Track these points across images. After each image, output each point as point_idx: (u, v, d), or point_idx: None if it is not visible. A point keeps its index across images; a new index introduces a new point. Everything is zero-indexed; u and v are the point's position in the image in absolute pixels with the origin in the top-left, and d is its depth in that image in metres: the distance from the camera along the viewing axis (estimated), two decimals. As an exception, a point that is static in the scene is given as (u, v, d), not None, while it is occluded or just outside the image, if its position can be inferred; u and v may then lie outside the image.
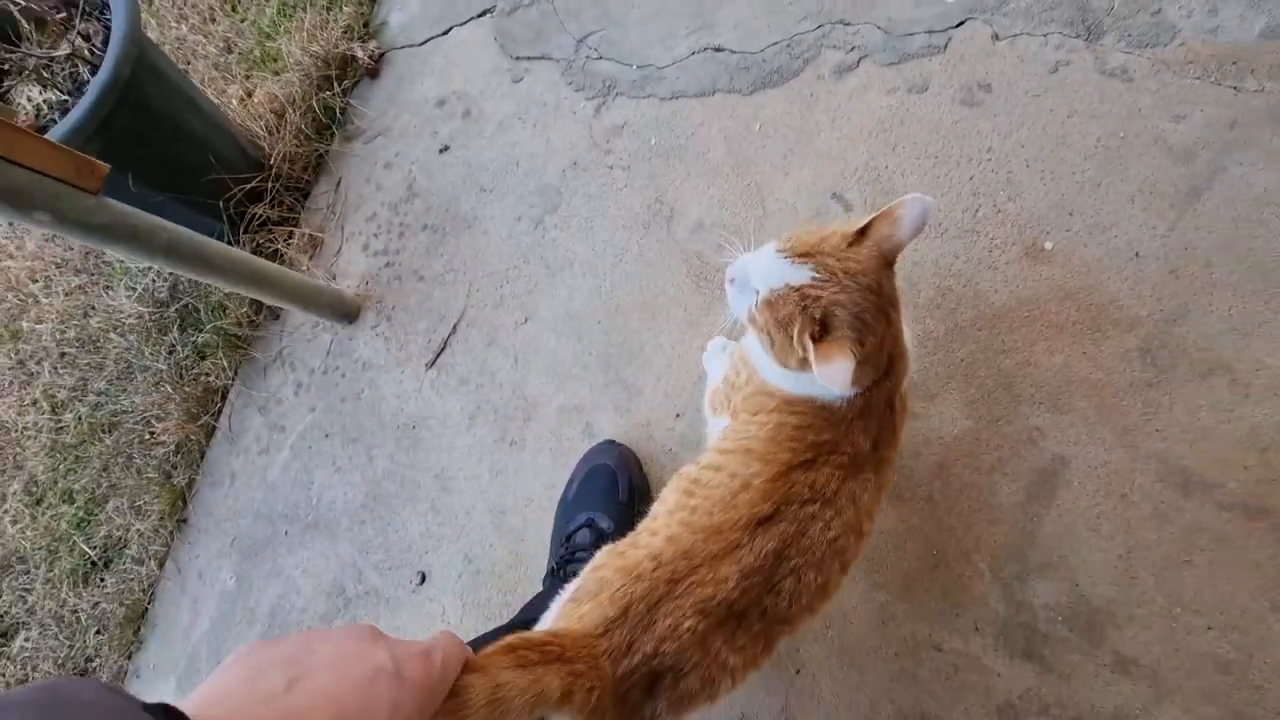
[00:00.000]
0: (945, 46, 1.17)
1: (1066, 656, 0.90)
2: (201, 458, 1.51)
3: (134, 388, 1.60)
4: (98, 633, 1.50)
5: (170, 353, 1.55)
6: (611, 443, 1.16)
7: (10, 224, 1.95)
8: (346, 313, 1.43)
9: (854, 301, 0.65)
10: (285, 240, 1.52)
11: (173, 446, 1.50)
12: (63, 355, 1.74)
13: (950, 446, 1.02)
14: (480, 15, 1.55)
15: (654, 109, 1.33)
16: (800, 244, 0.68)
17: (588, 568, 0.72)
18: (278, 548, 1.38)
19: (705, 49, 1.32)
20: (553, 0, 1.49)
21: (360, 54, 1.58)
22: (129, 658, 1.46)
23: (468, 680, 0.49)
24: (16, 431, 1.73)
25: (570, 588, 0.71)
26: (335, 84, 1.58)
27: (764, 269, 0.69)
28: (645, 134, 1.32)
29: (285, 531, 1.38)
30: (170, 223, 1.05)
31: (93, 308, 1.73)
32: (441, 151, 1.49)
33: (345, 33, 1.60)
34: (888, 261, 0.69)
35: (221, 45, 1.81)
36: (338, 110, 1.58)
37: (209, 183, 1.39)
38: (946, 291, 1.07)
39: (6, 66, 1.22)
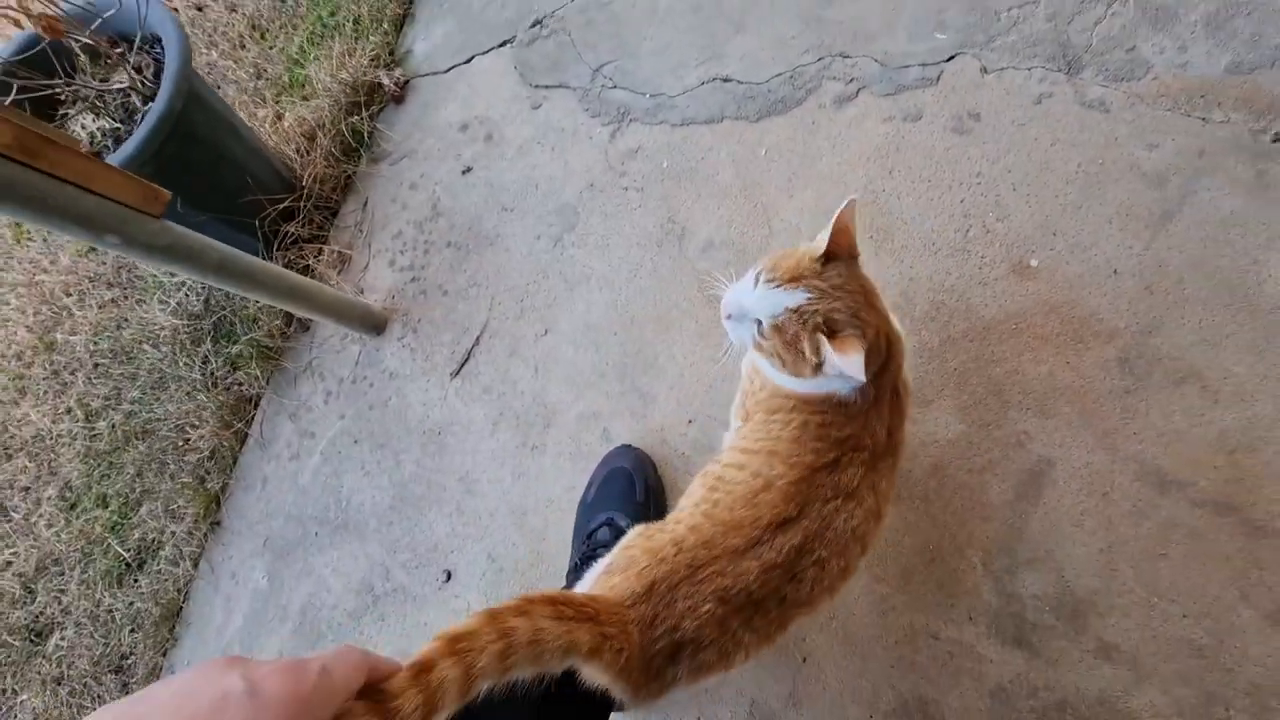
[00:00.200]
0: (938, 79, 1.26)
1: (1053, 643, 0.98)
2: (234, 463, 1.59)
3: (167, 396, 1.68)
4: (132, 631, 1.56)
5: (204, 363, 1.63)
6: (628, 447, 1.24)
7: (45, 238, 2.04)
8: (374, 325, 1.51)
9: (846, 305, 0.74)
10: (315, 256, 1.61)
11: (207, 452, 1.58)
12: (96, 366, 1.82)
13: (945, 449, 1.09)
14: (501, 45, 1.65)
15: (666, 134, 1.42)
16: (785, 270, 0.76)
17: (620, 545, 0.80)
18: (308, 548, 1.45)
19: (714, 79, 1.42)
20: (570, 32, 1.59)
21: (386, 81, 1.68)
22: (164, 654, 1.52)
23: (515, 623, 0.58)
24: (51, 439, 1.80)
25: (604, 561, 0.79)
26: (363, 109, 1.67)
27: (760, 301, 0.76)
28: (658, 158, 1.41)
29: (315, 532, 1.46)
30: (220, 243, 1.14)
31: (125, 320, 1.82)
32: (464, 173, 1.58)
33: (373, 61, 1.70)
34: (853, 258, 0.77)
35: (251, 71, 1.91)
36: (365, 134, 1.67)
37: (246, 203, 1.47)
38: (940, 305, 1.15)
39: (63, 97, 1.31)
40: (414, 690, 0.51)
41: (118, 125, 1.30)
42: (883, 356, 0.78)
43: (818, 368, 0.73)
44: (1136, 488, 1.00)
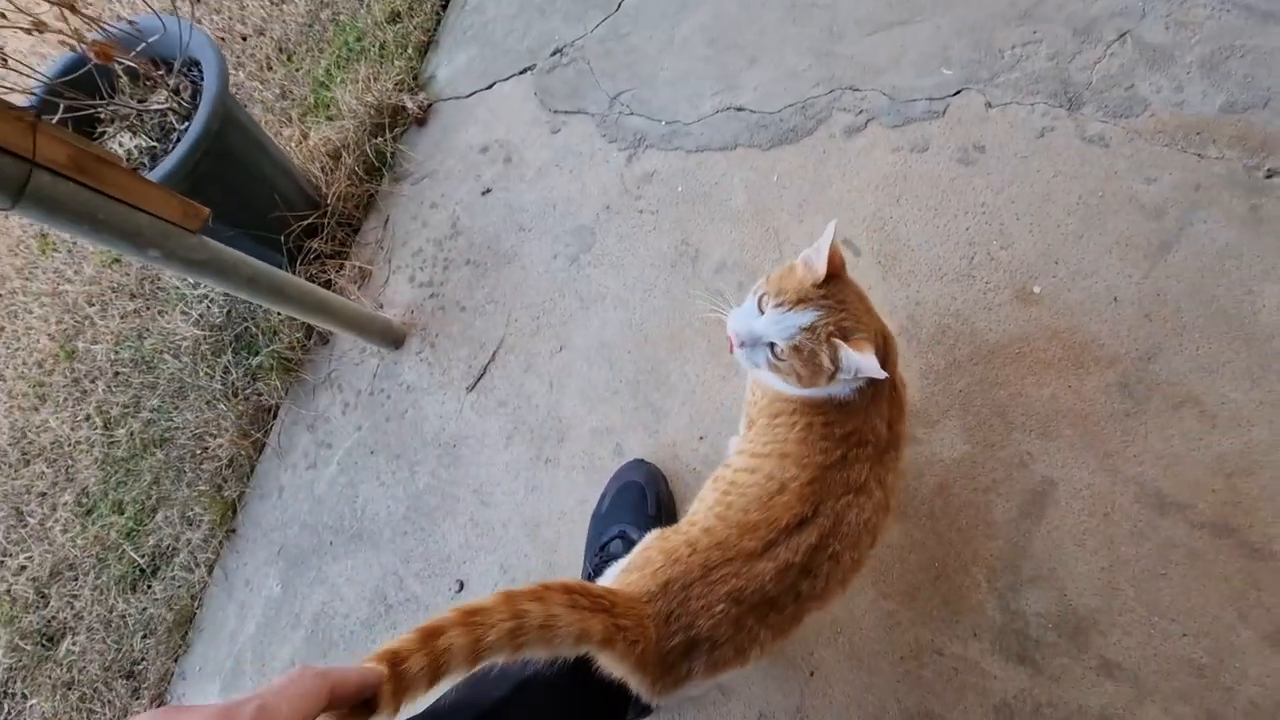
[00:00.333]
0: (944, 112, 1.31)
1: (1056, 660, 1.00)
2: (251, 472, 1.62)
3: (186, 405, 1.71)
4: (144, 637, 1.58)
5: (225, 373, 1.67)
6: (641, 461, 1.27)
7: (70, 249, 2.09)
8: (393, 339, 1.55)
9: (850, 315, 0.79)
10: (337, 271, 1.66)
11: (225, 461, 1.61)
12: (116, 374, 1.86)
13: (950, 468, 1.13)
14: (522, 72, 1.71)
15: (681, 160, 1.47)
16: (790, 292, 0.80)
17: (639, 545, 0.84)
18: (323, 556, 1.47)
19: (728, 108, 1.47)
20: (589, 61, 1.65)
21: (410, 104, 1.74)
22: (175, 661, 1.54)
23: (529, 607, 0.62)
24: (69, 445, 1.83)
25: (624, 560, 0.83)
26: (386, 131, 1.73)
27: (772, 325, 0.79)
28: (673, 182, 1.46)
29: (330, 541, 1.48)
30: (252, 258, 1.18)
31: (147, 330, 1.86)
32: (484, 194, 1.63)
33: (397, 85, 1.76)
34: (842, 271, 0.82)
35: (277, 92, 1.97)
36: (388, 154, 1.73)
37: (273, 219, 1.52)
38: (946, 329, 1.19)
39: (103, 115, 1.37)
40: (420, 654, 0.55)
41: (154, 144, 1.36)
42: (882, 355, 0.82)
43: (833, 375, 0.77)
44: (1137, 509, 1.03)
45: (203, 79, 1.33)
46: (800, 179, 1.37)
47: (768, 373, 0.84)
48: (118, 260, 1.99)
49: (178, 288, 1.84)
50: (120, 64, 1.28)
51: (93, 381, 1.88)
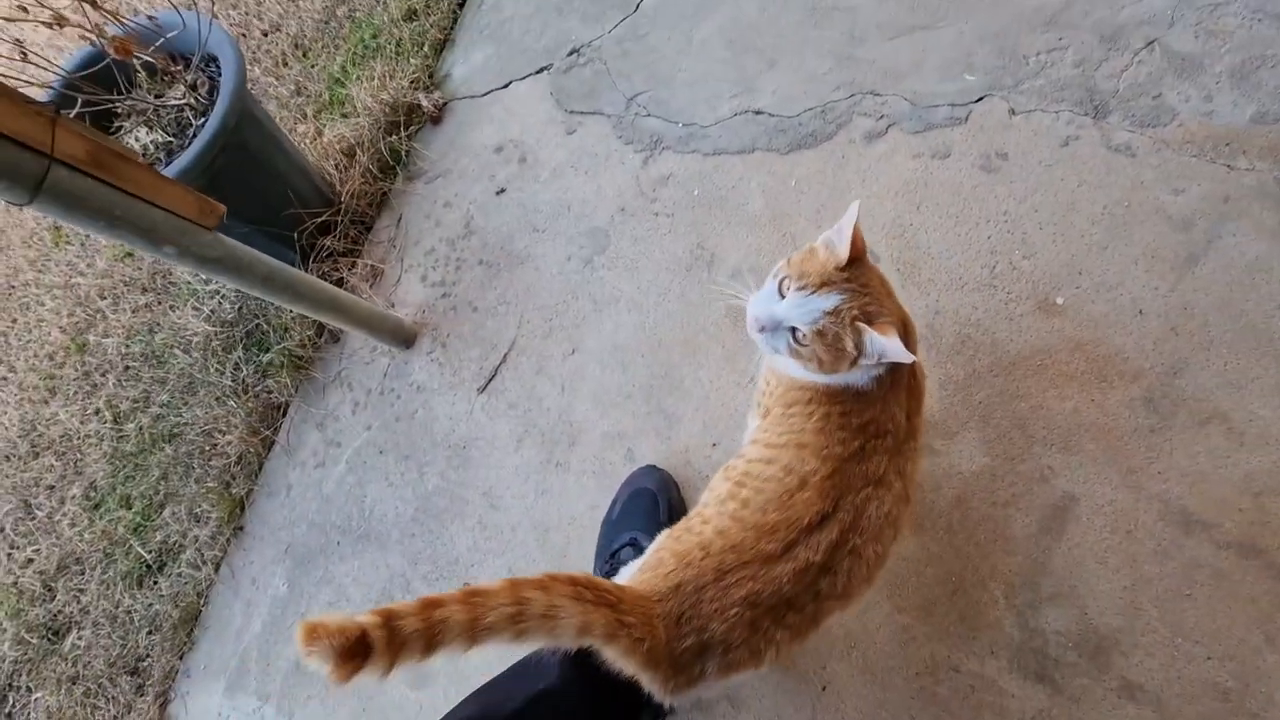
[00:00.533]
0: (966, 118, 1.29)
1: (1076, 680, 0.98)
2: (260, 469, 1.61)
3: (196, 401, 1.71)
4: (150, 633, 1.58)
5: (235, 370, 1.66)
6: (653, 467, 1.25)
7: (83, 242, 2.09)
8: (404, 339, 1.54)
9: (873, 299, 0.77)
10: (349, 269, 1.65)
11: (234, 458, 1.60)
12: (127, 369, 1.86)
13: (969, 481, 1.11)
14: (538, 72, 1.70)
15: (697, 163, 1.46)
16: (813, 275, 0.78)
17: (651, 546, 0.83)
18: (330, 556, 1.47)
19: (746, 111, 1.46)
20: (606, 62, 1.64)
21: (425, 103, 1.73)
22: (180, 658, 1.53)
23: (531, 595, 0.62)
24: (79, 439, 1.83)
25: (638, 562, 0.82)
26: (401, 129, 1.72)
27: (795, 309, 0.77)
28: (689, 185, 1.45)
29: (337, 541, 1.47)
30: (266, 256, 1.17)
31: (158, 325, 1.86)
32: (498, 194, 1.62)
33: (412, 83, 1.76)
34: (864, 256, 0.81)
35: (293, 88, 1.97)
36: (402, 153, 1.72)
37: (287, 216, 1.52)
38: (966, 339, 1.17)
39: (120, 110, 1.36)
40: (417, 618, 0.58)
41: (170, 139, 1.35)
42: (904, 341, 0.80)
43: (855, 360, 0.75)
44: (1161, 527, 1.01)
45: (220, 75, 1.33)
46: (819, 184, 1.35)
47: (787, 359, 0.81)
48: (130, 254, 1.99)
49: (189, 283, 1.84)
50: (139, 59, 1.28)
51: (103, 375, 1.88)
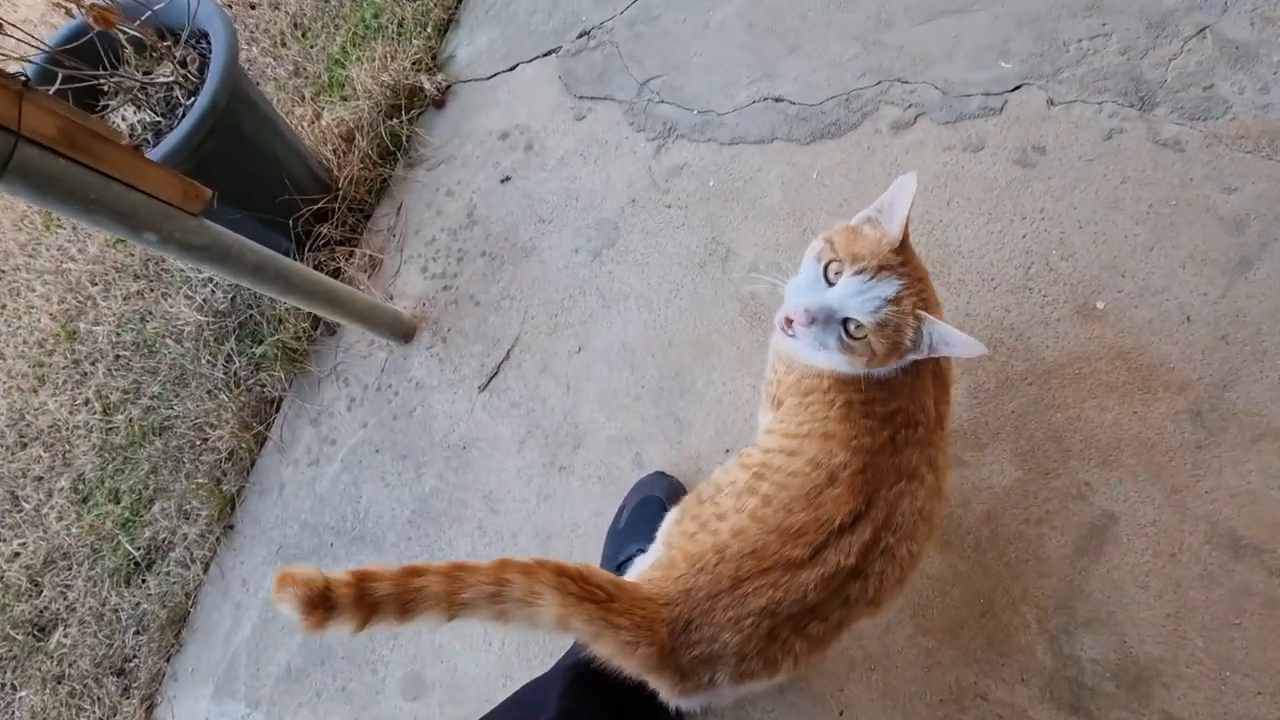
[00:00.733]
0: (1001, 109, 1.21)
1: (1113, 713, 0.91)
2: (252, 466, 1.55)
3: (187, 394, 1.65)
4: (137, 633, 1.52)
5: (228, 362, 1.60)
6: (662, 474, 1.19)
7: (74, 226, 2.03)
8: (403, 332, 1.47)
9: (925, 287, 0.70)
10: (346, 259, 1.58)
11: (225, 453, 1.54)
12: (117, 358, 1.80)
13: (999, 496, 1.04)
14: (546, 54, 1.63)
15: (713, 153, 1.39)
16: (869, 257, 0.68)
17: (661, 532, 0.80)
18: (323, 558, 1.41)
19: (765, 98, 1.38)
20: (617, 45, 1.56)
21: (428, 85, 1.66)
22: (168, 660, 1.48)
23: (513, 578, 0.60)
24: (67, 429, 1.78)
25: (649, 557, 0.78)
26: (402, 112, 1.65)
27: (852, 296, 0.67)
28: (704, 176, 1.38)
29: (331, 543, 1.42)
30: (257, 244, 1.11)
31: (150, 313, 1.79)
32: (503, 182, 1.55)
33: (415, 65, 1.68)
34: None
35: (290, 69, 1.90)
36: (403, 137, 1.65)
37: (281, 202, 1.45)
38: (998, 344, 1.10)
39: (106, 88, 1.29)
40: (392, 582, 0.58)
41: (158, 119, 1.28)
42: None
43: (904, 355, 0.69)
44: (1207, 550, 0.94)
45: (211, 51, 1.26)
46: (842, 176, 1.28)
47: (833, 353, 0.71)
48: (122, 240, 1.93)
49: (182, 270, 1.78)
50: (124, 32, 1.21)
51: (93, 364, 1.82)
